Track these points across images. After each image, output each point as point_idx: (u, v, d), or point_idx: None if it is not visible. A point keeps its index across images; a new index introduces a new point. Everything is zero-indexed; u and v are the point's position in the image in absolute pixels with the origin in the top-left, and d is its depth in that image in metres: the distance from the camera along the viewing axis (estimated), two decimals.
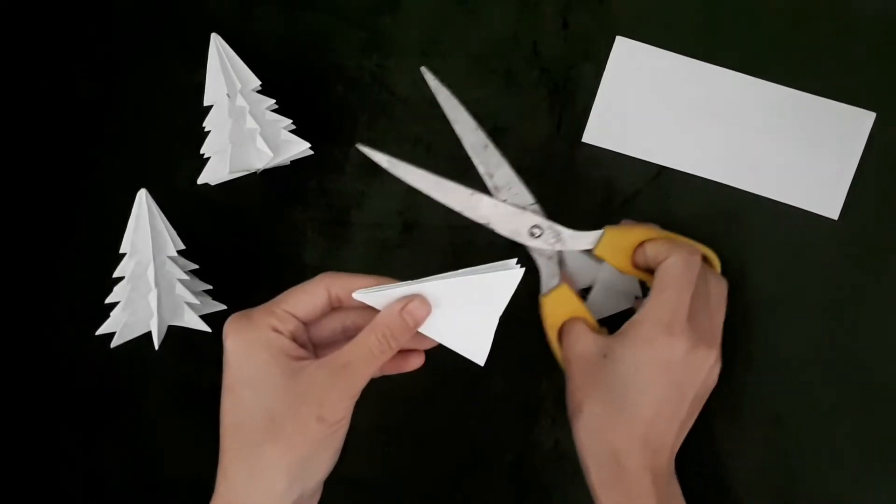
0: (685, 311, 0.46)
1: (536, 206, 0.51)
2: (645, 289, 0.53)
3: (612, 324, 0.51)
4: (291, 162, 0.56)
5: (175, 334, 0.54)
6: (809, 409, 0.55)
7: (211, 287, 0.56)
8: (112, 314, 0.53)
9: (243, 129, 0.53)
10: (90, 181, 0.58)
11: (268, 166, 0.54)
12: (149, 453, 0.58)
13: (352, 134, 0.57)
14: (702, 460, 0.54)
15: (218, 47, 0.53)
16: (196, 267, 0.55)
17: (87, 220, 0.58)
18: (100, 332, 0.53)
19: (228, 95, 0.53)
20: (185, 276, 0.53)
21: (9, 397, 0.58)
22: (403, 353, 0.45)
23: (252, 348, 0.41)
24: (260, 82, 0.53)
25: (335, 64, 0.57)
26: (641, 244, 0.50)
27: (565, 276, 0.52)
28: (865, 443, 0.54)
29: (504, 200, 0.51)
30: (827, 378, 0.55)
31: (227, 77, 0.52)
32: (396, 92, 0.57)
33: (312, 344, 0.44)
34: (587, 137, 0.56)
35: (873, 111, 0.54)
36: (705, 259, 0.50)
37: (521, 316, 0.55)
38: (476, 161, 0.52)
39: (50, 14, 0.59)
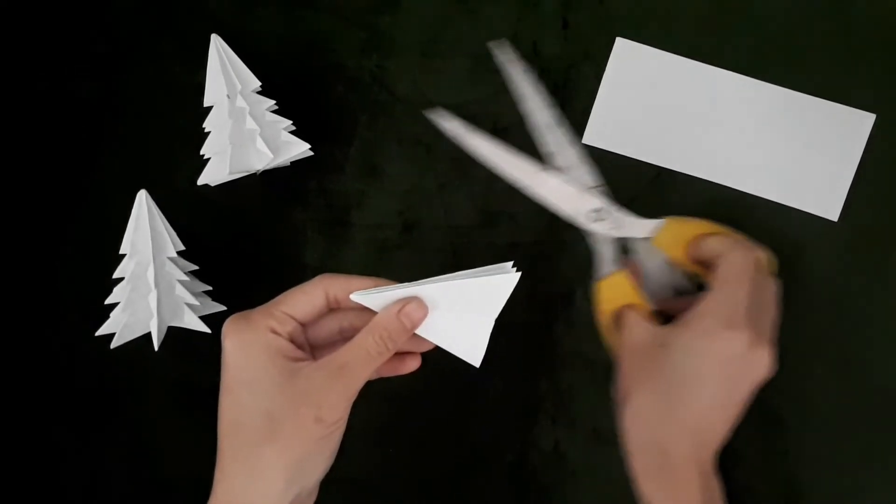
0: (746, 306, 0.46)
1: (600, 189, 0.52)
2: (693, 285, 0.53)
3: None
4: (291, 162, 0.56)
5: (175, 335, 0.54)
6: (809, 409, 0.55)
7: (211, 288, 0.56)
8: (112, 315, 0.53)
9: (243, 129, 0.53)
10: (90, 181, 0.58)
11: (268, 167, 0.54)
12: (149, 453, 0.58)
13: (352, 134, 0.57)
14: None
15: (218, 48, 0.53)
16: (196, 268, 0.55)
17: (87, 220, 0.58)
18: (100, 332, 0.53)
19: (228, 96, 0.53)
20: (185, 277, 0.53)
21: (9, 397, 0.58)
22: (400, 355, 0.45)
23: (251, 349, 0.41)
24: (260, 83, 0.53)
25: (335, 64, 0.57)
26: (699, 237, 0.50)
27: (629, 263, 0.52)
28: (865, 443, 0.54)
29: (568, 182, 0.52)
30: (827, 378, 0.55)
31: (227, 78, 0.52)
32: (396, 92, 0.57)
33: (309, 344, 0.45)
34: (587, 138, 0.56)
35: (873, 112, 0.54)
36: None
37: (521, 317, 0.55)
38: (544, 140, 0.52)
39: (50, 14, 0.59)
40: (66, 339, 0.58)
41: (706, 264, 0.49)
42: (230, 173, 0.53)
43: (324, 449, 0.42)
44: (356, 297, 0.42)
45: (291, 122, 0.54)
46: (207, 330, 0.54)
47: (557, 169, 0.52)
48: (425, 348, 0.44)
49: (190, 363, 0.57)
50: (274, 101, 0.53)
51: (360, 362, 0.41)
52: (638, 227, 0.51)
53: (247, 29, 0.57)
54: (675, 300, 0.52)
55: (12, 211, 0.58)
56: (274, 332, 0.42)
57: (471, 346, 0.43)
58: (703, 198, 0.55)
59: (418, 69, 0.57)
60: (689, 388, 0.46)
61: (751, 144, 0.55)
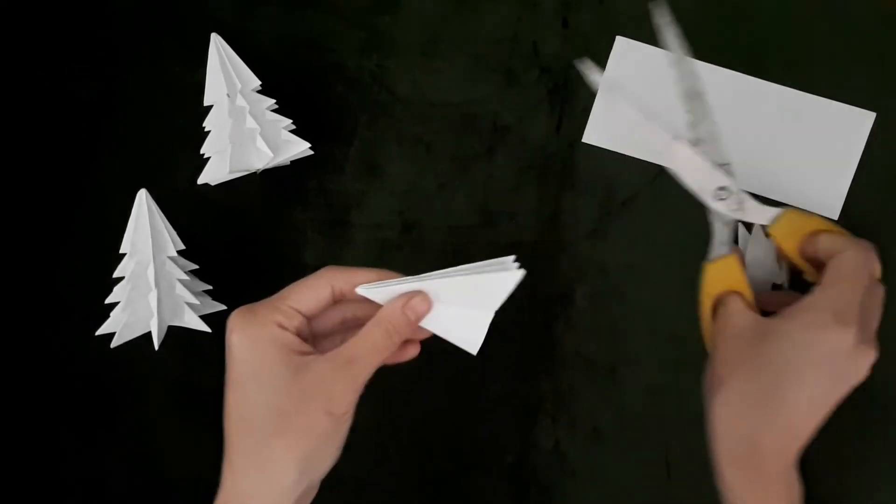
0: (857, 304, 0.45)
1: (730, 167, 0.51)
2: (788, 283, 0.53)
3: None
4: (291, 162, 0.56)
5: (175, 334, 0.54)
6: None
7: (211, 287, 0.56)
8: (112, 314, 0.53)
9: (243, 129, 0.53)
10: (90, 181, 0.58)
11: (268, 166, 0.54)
12: (149, 453, 0.58)
13: (352, 134, 0.57)
14: (703, 462, 0.54)
15: (218, 47, 0.53)
16: (196, 267, 0.55)
17: (87, 220, 0.58)
18: (100, 332, 0.53)
19: (228, 95, 0.53)
20: (185, 277, 0.53)
21: (9, 397, 0.58)
22: (402, 344, 0.45)
23: (258, 344, 0.42)
24: (260, 82, 0.53)
25: (335, 64, 0.57)
26: (815, 233, 0.49)
27: (734, 249, 0.51)
28: (865, 443, 0.54)
29: (700, 154, 0.50)
30: None
31: (227, 77, 0.52)
32: (396, 92, 0.57)
33: (312, 335, 0.45)
34: (587, 137, 0.56)
35: (873, 111, 0.54)
36: None
37: (521, 317, 0.55)
38: (685, 108, 0.51)
39: (50, 14, 0.59)
40: (66, 338, 0.57)
41: (816, 262, 0.49)
42: (230, 172, 0.53)
43: (333, 441, 0.43)
44: (362, 291, 0.43)
45: (291, 121, 0.54)
46: (208, 329, 0.54)
47: (691, 140, 0.50)
48: (424, 336, 0.45)
49: (190, 363, 0.57)
50: (274, 101, 0.53)
51: (368, 355, 0.42)
52: (759, 213, 0.50)
53: (247, 29, 0.57)
54: (770, 295, 0.52)
55: (13, 211, 0.58)
56: (281, 326, 0.42)
57: (469, 336, 0.43)
58: None
59: (418, 69, 0.57)
60: (789, 381, 0.45)
61: (751, 143, 0.55)
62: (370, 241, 0.57)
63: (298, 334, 0.43)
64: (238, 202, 0.57)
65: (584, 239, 0.55)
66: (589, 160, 0.56)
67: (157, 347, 0.53)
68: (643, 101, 0.55)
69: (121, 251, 0.52)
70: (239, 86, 0.53)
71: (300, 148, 0.54)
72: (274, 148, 0.53)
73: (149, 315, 0.53)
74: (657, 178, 0.55)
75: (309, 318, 0.44)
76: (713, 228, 0.51)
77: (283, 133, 0.54)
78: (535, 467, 0.56)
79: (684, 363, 0.54)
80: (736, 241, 0.52)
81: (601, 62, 0.56)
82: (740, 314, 0.48)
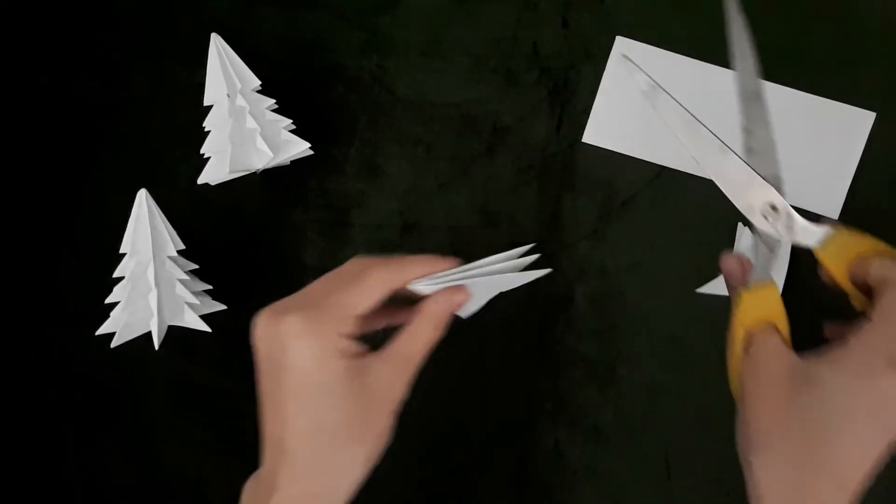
0: None
1: (781, 182, 0.45)
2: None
3: None
4: (291, 162, 0.56)
5: (175, 334, 0.54)
6: None
7: (211, 287, 0.56)
8: (112, 314, 0.53)
9: (243, 128, 0.53)
10: (90, 181, 0.58)
11: (268, 166, 0.54)
12: (149, 453, 0.57)
13: (352, 134, 0.57)
14: (703, 464, 0.54)
15: (218, 47, 0.53)
16: (196, 267, 0.55)
17: (87, 220, 0.58)
18: (100, 332, 0.53)
19: (228, 95, 0.53)
20: (185, 276, 0.53)
21: (9, 396, 0.58)
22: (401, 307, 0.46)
23: (322, 354, 0.42)
24: (260, 82, 0.53)
25: (335, 64, 0.57)
26: (867, 257, 0.43)
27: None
28: None
29: (752, 167, 0.45)
30: None
31: (227, 77, 0.52)
32: (396, 92, 0.57)
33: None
34: (587, 137, 0.56)
35: (873, 111, 0.54)
36: None
37: (521, 317, 0.55)
38: (741, 108, 0.45)
39: (50, 14, 0.59)
40: (66, 338, 0.57)
41: (866, 288, 0.43)
42: (230, 172, 0.53)
43: (389, 436, 0.44)
44: (416, 287, 0.44)
45: (291, 121, 0.54)
46: (208, 329, 0.54)
47: (744, 150, 0.45)
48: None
49: (190, 362, 0.57)
50: (274, 101, 0.53)
51: (420, 351, 0.43)
52: (808, 234, 0.44)
53: (247, 29, 0.57)
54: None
55: (13, 211, 0.58)
56: (342, 335, 0.42)
57: (469, 307, 0.45)
58: (703, 196, 0.55)
59: (418, 69, 0.57)
60: (836, 429, 0.41)
61: None
62: (370, 242, 0.57)
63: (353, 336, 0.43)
64: (238, 202, 0.57)
65: (585, 239, 0.55)
66: (589, 160, 0.56)
67: (157, 347, 0.53)
68: (643, 101, 0.55)
69: (121, 251, 0.52)
70: (239, 86, 0.53)
71: (300, 148, 0.54)
72: (274, 148, 0.53)
73: (149, 315, 0.53)
74: (657, 178, 0.55)
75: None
76: (756, 250, 0.45)
77: (283, 133, 0.54)
78: (535, 467, 0.56)
79: (684, 363, 0.54)
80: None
81: (601, 62, 0.56)
82: (778, 354, 0.43)
